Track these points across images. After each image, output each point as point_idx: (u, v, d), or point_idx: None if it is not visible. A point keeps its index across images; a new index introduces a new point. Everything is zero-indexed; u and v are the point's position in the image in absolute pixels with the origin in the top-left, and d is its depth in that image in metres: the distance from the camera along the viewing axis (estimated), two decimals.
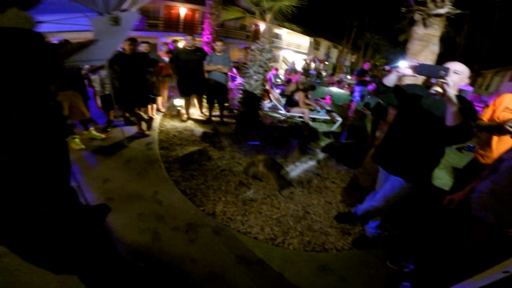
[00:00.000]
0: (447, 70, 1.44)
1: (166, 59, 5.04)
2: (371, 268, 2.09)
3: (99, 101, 4.31)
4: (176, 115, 5.20)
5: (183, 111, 5.06)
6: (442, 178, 3.90)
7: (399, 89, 1.84)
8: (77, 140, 3.38)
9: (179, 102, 5.31)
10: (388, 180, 1.99)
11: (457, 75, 1.56)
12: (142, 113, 4.05)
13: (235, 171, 3.27)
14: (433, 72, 1.49)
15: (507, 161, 1.28)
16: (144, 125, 4.08)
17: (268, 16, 4.16)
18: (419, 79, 2.07)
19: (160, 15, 16.70)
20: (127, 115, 4.38)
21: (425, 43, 2.34)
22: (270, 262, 2.00)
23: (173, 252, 1.95)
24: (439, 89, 1.44)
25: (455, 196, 1.57)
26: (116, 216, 2.18)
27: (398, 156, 1.87)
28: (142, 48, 4.61)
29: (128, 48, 3.68)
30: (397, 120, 1.93)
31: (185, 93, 4.80)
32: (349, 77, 18.51)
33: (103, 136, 3.78)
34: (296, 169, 3.51)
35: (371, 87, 8.68)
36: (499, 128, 1.72)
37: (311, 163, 3.72)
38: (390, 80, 1.77)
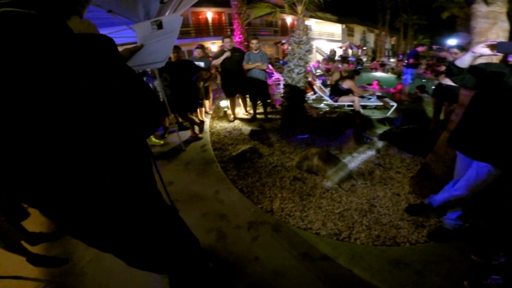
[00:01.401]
0: None
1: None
2: (453, 261, 1.85)
3: None
4: (223, 116, 5.39)
5: (229, 111, 5.22)
6: None
7: (477, 69, 1.67)
8: None
9: (224, 103, 5.49)
10: (472, 167, 1.75)
11: None
12: (194, 118, 4.29)
13: (287, 166, 3.23)
14: None
15: None
16: (196, 129, 4.31)
17: (299, 8, 4.03)
18: (494, 58, 1.92)
19: (189, 22, 17.12)
20: (181, 120, 4.68)
21: (492, 21, 2.09)
22: (337, 258, 1.91)
23: (237, 251, 1.97)
24: None
25: None
26: (183, 217, 2.30)
27: (482, 140, 1.65)
28: (196, 53, 4.84)
29: (173, 56, 3.90)
30: (477, 101, 1.72)
31: (230, 94, 4.92)
32: (392, 60, 16.89)
33: (161, 142, 4.11)
34: (354, 160, 3.30)
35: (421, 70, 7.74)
36: None
37: (370, 152, 3.45)
38: (464, 61, 1.64)
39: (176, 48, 3.86)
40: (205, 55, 5.27)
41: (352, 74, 5.62)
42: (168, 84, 4.09)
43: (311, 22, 22.70)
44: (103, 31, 0.85)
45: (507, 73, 1.54)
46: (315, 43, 22.86)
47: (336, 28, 25.31)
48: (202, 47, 4.96)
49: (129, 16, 3.02)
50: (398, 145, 3.57)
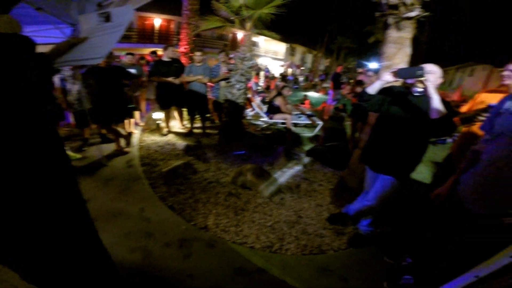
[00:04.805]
0: (422, 69, 1.58)
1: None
2: (370, 265, 2.13)
3: (72, 119, 4.07)
4: (156, 129, 5.03)
5: (163, 124, 4.91)
6: (421, 172, 4.09)
7: (385, 92, 1.94)
8: None
9: (158, 115, 5.15)
10: (378, 179, 2.05)
11: (431, 75, 1.67)
12: (120, 129, 3.87)
13: (222, 182, 3.20)
14: (411, 74, 1.62)
15: (486, 153, 1.36)
16: (123, 142, 3.90)
17: (248, 25, 4.20)
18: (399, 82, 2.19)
19: (134, 26, 16.47)
20: (104, 132, 4.17)
21: (399, 46, 2.45)
22: (270, 270, 1.99)
23: (168, 269, 1.90)
24: (422, 86, 1.55)
25: (441, 190, 1.64)
26: (102, 236, 2.06)
27: (386, 155, 1.95)
28: (126, 59, 4.48)
29: (103, 61, 3.52)
30: (381, 121, 2.02)
31: (165, 106, 4.67)
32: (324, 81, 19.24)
33: (78, 156, 3.55)
34: (284, 175, 3.51)
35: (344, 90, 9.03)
36: (471, 119, 1.88)
37: (298, 168, 3.74)
38: (374, 88, 1.88)
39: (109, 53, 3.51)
40: (137, 62, 4.95)
41: (280, 92, 6.07)
42: (92, 91, 3.63)
43: (260, 39, 23.90)
44: (29, 29, 0.79)
45: (406, 95, 1.84)
46: (261, 60, 24.13)
47: (281, 47, 26.80)
48: (154, 53, 4.66)
49: (60, 16, 2.80)
50: (321, 160, 3.99)
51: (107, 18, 1.58)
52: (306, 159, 4.01)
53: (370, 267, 2.11)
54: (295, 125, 6.05)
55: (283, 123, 5.58)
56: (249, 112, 6.40)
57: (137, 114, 5.13)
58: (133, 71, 4.45)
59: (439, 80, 1.75)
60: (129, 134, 4.07)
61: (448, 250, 1.52)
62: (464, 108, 2.22)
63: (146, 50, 12.50)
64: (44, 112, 0.72)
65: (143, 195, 2.81)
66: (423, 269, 1.80)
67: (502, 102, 1.41)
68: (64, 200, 0.88)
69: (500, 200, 1.25)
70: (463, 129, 2.13)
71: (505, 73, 1.82)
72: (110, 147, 3.91)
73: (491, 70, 17.15)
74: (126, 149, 3.88)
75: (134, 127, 4.80)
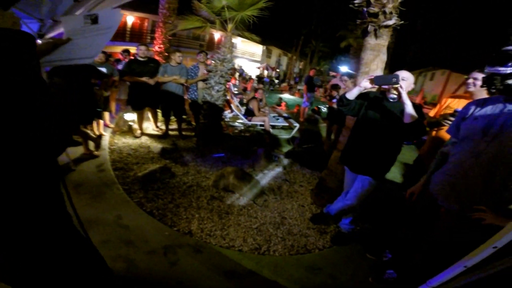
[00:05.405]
0: (397, 77, 1.69)
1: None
2: (354, 261, 2.24)
3: None
4: (128, 131, 4.75)
5: (136, 126, 4.66)
6: (391, 171, 4.37)
7: (362, 97, 2.05)
8: None
9: (130, 116, 4.87)
10: (357, 180, 2.15)
11: (405, 81, 1.80)
12: (88, 131, 3.60)
13: (203, 185, 3.12)
14: (387, 81, 1.73)
15: (453, 156, 1.49)
16: (92, 145, 3.62)
17: (229, 26, 4.15)
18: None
19: None
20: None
21: (376, 53, 2.59)
22: (261, 272, 2.00)
23: (155, 277, 1.83)
24: (396, 93, 1.66)
25: (414, 189, 1.76)
26: None
27: (364, 157, 2.06)
28: (97, 57, 4.21)
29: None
30: (359, 124, 2.13)
31: (138, 107, 4.43)
32: (298, 83, 19.74)
33: None
34: (265, 177, 3.53)
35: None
36: (439, 123, 2.04)
37: (278, 169, 3.79)
38: (353, 94, 1.95)
39: None
40: (108, 61, 4.64)
41: (254, 96, 6.12)
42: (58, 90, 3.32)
43: (237, 41, 23.75)
44: None
45: (382, 101, 1.96)
46: (237, 61, 23.98)
47: (258, 49, 26.90)
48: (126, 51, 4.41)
49: (28, 11, 2.61)
50: (299, 162, 4.08)
51: (94, 20, 1.55)
52: (286, 161, 4.08)
53: (355, 264, 2.22)
54: (273, 127, 6.12)
55: (261, 125, 5.62)
56: (227, 114, 6.34)
57: (106, 115, 4.81)
58: (103, 69, 4.18)
59: (411, 86, 1.89)
60: (99, 137, 3.78)
61: (421, 246, 1.64)
62: (431, 113, 2.40)
63: (117, 48, 11.95)
64: (39, 107, 0.71)
65: (118, 201, 2.64)
66: (402, 264, 1.92)
67: (467, 107, 1.53)
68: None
69: (468, 196, 1.37)
70: (433, 133, 2.30)
71: (470, 80, 2.01)
72: (78, 151, 3.61)
73: (449, 74, 18.93)
74: (96, 153, 3.61)
75: (103, 129, 4.50)
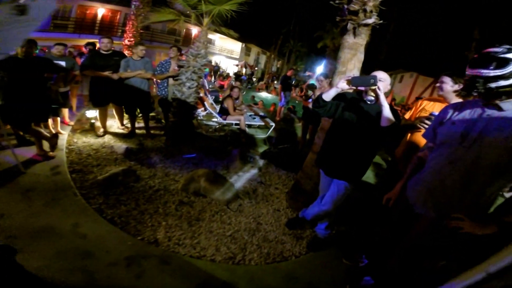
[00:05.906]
0: (375, 78, 1.61)
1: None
2: (331, 268, 2.19)
3: None
4: (89, 129, 4.33)
5: (98, 124, 4.26)
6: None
7: (338, 98, 1.96)
8: None
9: (92, 113, 4.46)
10: (333, 184, 2.10)
11: (382, 82, 1.74)
12: (42, 130, 3.19)
13: (172, 189, 2.91)
14: (365, 82, 1.65)
15: (430, 161, 1.45)
16: (46, 145, 3.22)
17: (206, 20, 3.92)
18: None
19: (72, 15, 15.08)
20: (21, 133, 3.40)
21: (354, 52, 2.53)
22: (237, 283, 1.88)
23: None
24: (373, 95, 1.59)
25: (391, 195, 1.72)
26: (26, 257, 1.73)
27: (340, 161, 2.00)
28: (55, 50, 4.01)
29: (21, 51, 2.88)
30: (335, 126, 2.06)
31: (100, 103, 4.05)
32: (276, 82, 19.83)
33: None
34: (240, 179, 3.39)
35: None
36: (414, 126, 2.03)
37: (253, 171, 3.66)
38: (329, 95, 1.87)
39: (28, 42, 2.94)
40: (68, 54, 4.23)
41: (229, 94, 5.95)
42: (4, 85, 2.95)
43: (216, 37, 23.19)
44: None
45: (359, 103, 1.89)
46: (215, 58, 23.41)
47: (237, 46, 26.68)
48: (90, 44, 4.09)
49: None
50: (275, 163, 3.99)
51: (23, 11, 1.29)
52: (261, 162, 3.97)
53: (332, 270, 2.17)
54: (249, 126, 5.99)
55: (236, 124, 5.46)
56: (201, 112, 6.09)
57: (65, 112, 4.36)
58: (62, 63, 3.81)
59: (388, 87, 1.85)
60: (55, 136, 3.38)
61: (397, 252, 1.60)
62: (407, 115, 2.40)
63: (83, 41, 11.32)
64: None
65: (75, 208, 2.38)
66: (379, 269, 1.89)
67: (444, 111, 1.48)
68: None
69: (445, 204, 1.34)
70: (408, 136, 2.29)
71: (437, 84, 2.02)
72: (30, 151, 3.20)
73: (416, 77, 20.11)
74: (52, 154, 3.22)
75: (61, 127, 4.06)
